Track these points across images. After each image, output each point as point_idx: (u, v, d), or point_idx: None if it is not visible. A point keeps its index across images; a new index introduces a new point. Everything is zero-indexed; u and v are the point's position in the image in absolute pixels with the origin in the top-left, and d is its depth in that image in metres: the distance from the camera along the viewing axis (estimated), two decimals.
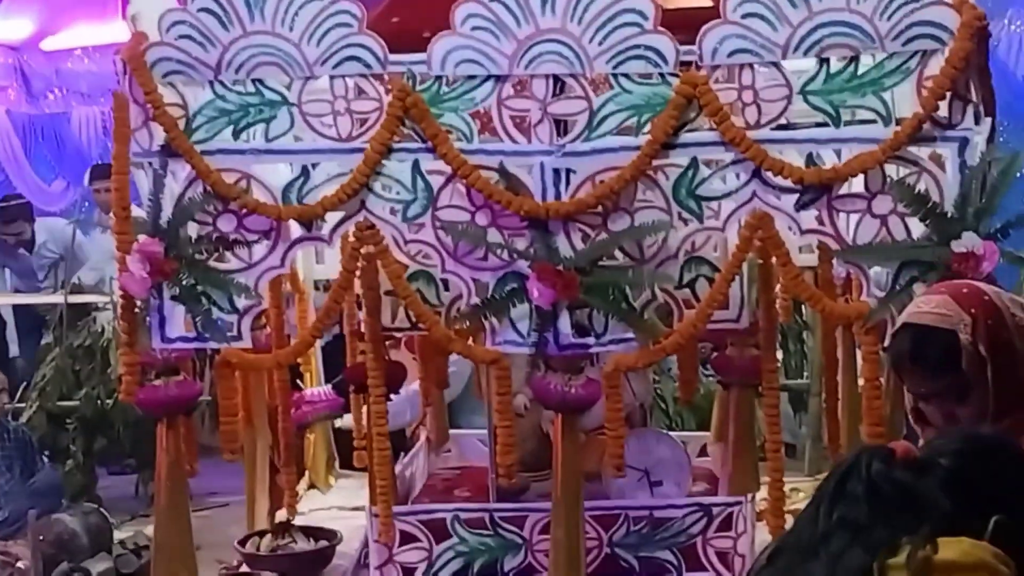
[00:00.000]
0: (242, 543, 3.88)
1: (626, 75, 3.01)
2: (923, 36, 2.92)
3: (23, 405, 5.81)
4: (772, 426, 3.40)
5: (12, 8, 7.88)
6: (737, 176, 3.03)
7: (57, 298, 6.21)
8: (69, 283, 6.36)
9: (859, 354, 3.32)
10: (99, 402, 5.73)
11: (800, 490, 4.47)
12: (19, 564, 4.71)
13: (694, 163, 3.04)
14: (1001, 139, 3.21)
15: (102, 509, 5.18)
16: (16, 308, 7.11)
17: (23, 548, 4.69)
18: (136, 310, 3.19)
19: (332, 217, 3.16)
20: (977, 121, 2.98)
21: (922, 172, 2.96)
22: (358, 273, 3.34)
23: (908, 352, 2.07)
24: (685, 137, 3.01)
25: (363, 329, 3.68)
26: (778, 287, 3.62)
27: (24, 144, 8.13)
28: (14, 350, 7.28)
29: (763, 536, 3.52)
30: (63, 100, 8.49)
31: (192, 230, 3.16)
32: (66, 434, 5.83)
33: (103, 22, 7.70)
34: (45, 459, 5.50)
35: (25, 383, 5.90)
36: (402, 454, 4.37)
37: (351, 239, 3.21)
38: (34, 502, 4.90)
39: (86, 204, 8.14)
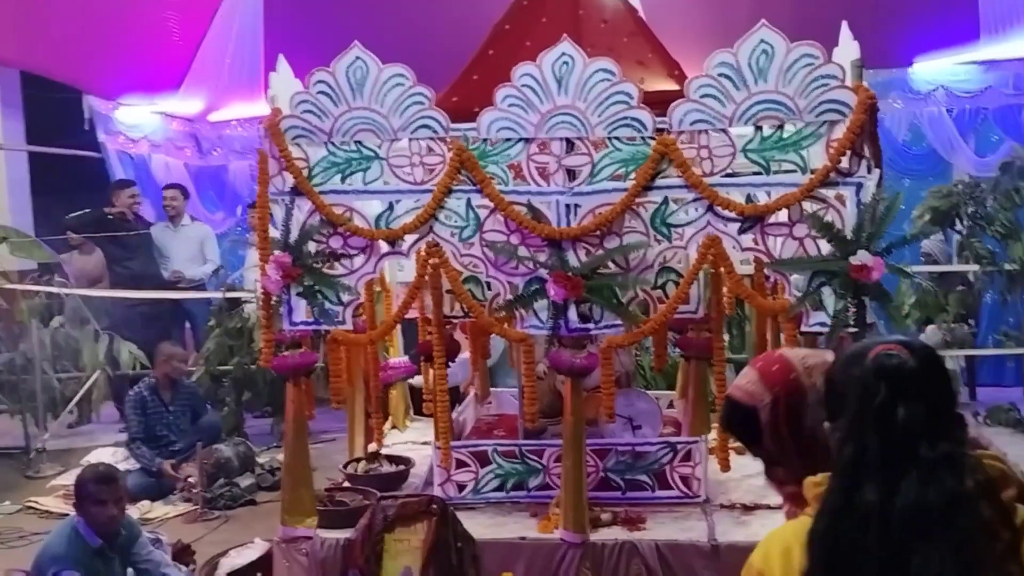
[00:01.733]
0: (345, 467, 3.91)
1: (617, 138, 3.00)
2: (830, 110, 2.89)
3: (194, 369, 5.88)
4: (720, 387, 3.37)
5: (188, 92, 8.00)
6: (696, 209, 3.01)
7: (217, 294, 6.30)
8: (226, 284, 6.44)
9: (783, 336, 3.29)
10: (246, 367, 5.80)
11: None
12: (189, 479, 4.77)
13: (665, 201, 3.03)
14: (886, 184, 3.17)
15: (248, 442, 5.24)
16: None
17: (193, 469, 4.76)
18: (272, 302, 3.22)
19: (409, 238, 3.16)
20: (869, 171, 2.95)
21: (829, 207, 2.93)
22: (427, 277, 3.36)
23: (722, 421, 1.61)
24: (659, 182, 3.00)
25: (430, 316, 3.71)
26: (725, 289, 3.61)
27: (196, 187, 8.22)
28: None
29: (713, 466, 3.50)
30: (223, 156, 8.56)
31: (311, 247, 3.18)
32: (223, 389, 5.91)
33: (251, 101, 7.80)
34: (208, 406, 5.57)
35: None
36: (457, 405, 4.38)
37: (423, 253, 3.23)
38: (200, 436, 4.98)
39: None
